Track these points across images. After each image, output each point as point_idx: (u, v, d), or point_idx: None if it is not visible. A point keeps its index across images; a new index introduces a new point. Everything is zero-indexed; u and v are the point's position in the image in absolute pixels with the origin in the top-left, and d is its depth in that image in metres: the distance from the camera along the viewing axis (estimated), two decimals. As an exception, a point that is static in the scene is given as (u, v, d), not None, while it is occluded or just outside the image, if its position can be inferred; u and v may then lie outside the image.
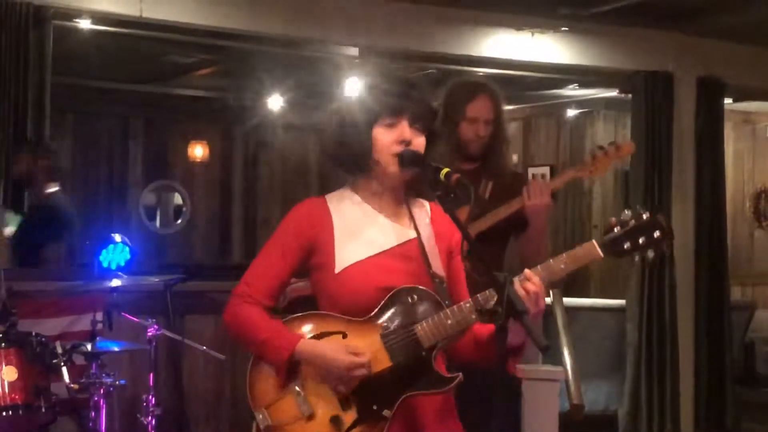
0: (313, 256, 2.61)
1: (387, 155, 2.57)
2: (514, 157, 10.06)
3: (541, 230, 3.92)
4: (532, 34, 6.97)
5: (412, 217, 2.66)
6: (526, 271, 2.46)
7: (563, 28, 7.02)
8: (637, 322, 7.36)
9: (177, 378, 5.19)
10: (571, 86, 9.06)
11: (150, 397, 4.63)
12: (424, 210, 2.70)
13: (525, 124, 10.50)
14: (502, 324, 2.28)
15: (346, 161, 2.63)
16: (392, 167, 2.58)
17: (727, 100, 8.14)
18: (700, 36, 7.49)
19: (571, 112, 9.99)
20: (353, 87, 6.88)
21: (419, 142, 2.59)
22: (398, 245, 2.60)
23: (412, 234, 2.63)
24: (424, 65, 7.36)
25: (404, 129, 2.57)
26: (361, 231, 2.60)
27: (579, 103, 9.78)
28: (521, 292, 2.41)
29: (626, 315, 7.47)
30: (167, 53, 8.27)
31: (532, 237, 3.94)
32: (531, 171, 9.91)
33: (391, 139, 2.57)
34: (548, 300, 6.83)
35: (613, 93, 8.71)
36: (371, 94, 2.61)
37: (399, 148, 2.56)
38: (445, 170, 2.49)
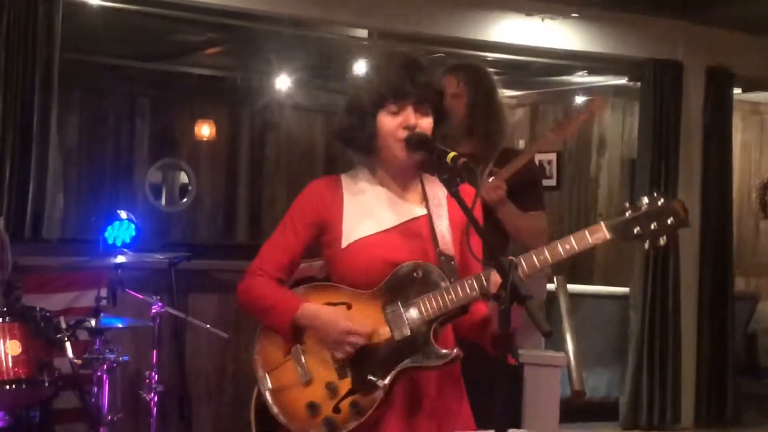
0: (324, 233, 2.67)
1: (393, 140, 2.60)
2: (521, 143, 10.05)
3: (510, 217, 3.92)
4: (542, 20, 6.95)
5: (425, 195, 2.69)
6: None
7: (573, 15, 7.00)
8: (640, 311, 7.37)
9: (180, 355, 5.21)
10: (579, 73, 9.04)
11: (152, 373, 4.65)
12: (441, 188, 2.68)
13: (532, 110, 10.46)
14: (505, 308, 2.28)
15: (354, 145, 2.67)
16: (399, 152, 2.61)
17: (736, 90, 8.12)
18: (709, 25, 7.47)
19: (579, 99, 9.96)
20: (362, 69, 6.86)
21: (425, 125, 2.61)
22: (406, 222, 2.64)
23: (422, 211, 2.66)
24: (432, 48, 7.33)
25: (409, 114, 2.59)
26: (371, 208, 2.64)
27: (587, 90, 9.74)
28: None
29: (629, 303, 7.48)
30: (176, 31, 8.25)
31: (505, 224, 3.93)
32: (537, 157, 9.89)
33: (395, 124, 2.59)
34: (552, 286, 6.85)
35: (621, 81, 8.68)
36: (376, 78, 2.63)
37: (404, 134, 2.58)
38: (452, 154, 2.50)
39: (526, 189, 3.97)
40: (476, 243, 2.65)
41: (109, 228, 5.06)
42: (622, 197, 9.46)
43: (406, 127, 2.58)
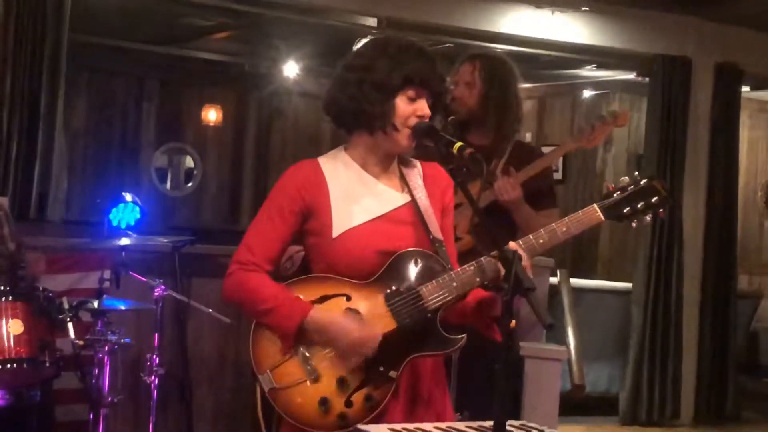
0: (309, 219, 2.60)
1: (402, 126, 2.57)
2: (528, 136, 10.04)
3: (526, 218, 3.92)
4: (552, 12, 6.94)
5: (405, 181, 2.67)
6: (511, 244, 2.47)
7: (584, 8, 6.99)
8: (642, 306, 7.37)
9: (181, 339, 5.20)
10: (588, 67, 9.02)
11: (154, 356, 4.65)
12: (416, 170, 2.71)
13: (540, 103, 10.45)
14: (508, 300, 2.27)
15: (359, 119, 2.59)
16: (403, 138, 2.58)
17: (744, 88, 8.10)
18: (720, 22, 7.45)
19: (587, 93, 9.94)
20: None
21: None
22: (394, 210, 2.62)
23: (407, 198, 2.64)
24: (441, 39, 7.32)
25: (424, 105, 2.58)
26: (357, 195, 2.60)
27: (595, 84, 9.73)
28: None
29: (632, 298, 7.48)
30: (185, 15, 8.25)
31: (521, 226, 3.93)
32: (544, 150, 9.86)
33: (410, 110, 2.57)
34: (555, 280, 6.85)
35: (630, 76, 8.67)
36: (400, 59, 2.57)
37: (414, 121, 2.57)
38: (458, 144, 2.49)
39: (541, 192, 3.96)
40: (449, 226, 2.70)
41: (114, 210, 5.06)
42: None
43: (419, 116, 2.57)
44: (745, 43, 7.62)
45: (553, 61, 8.41)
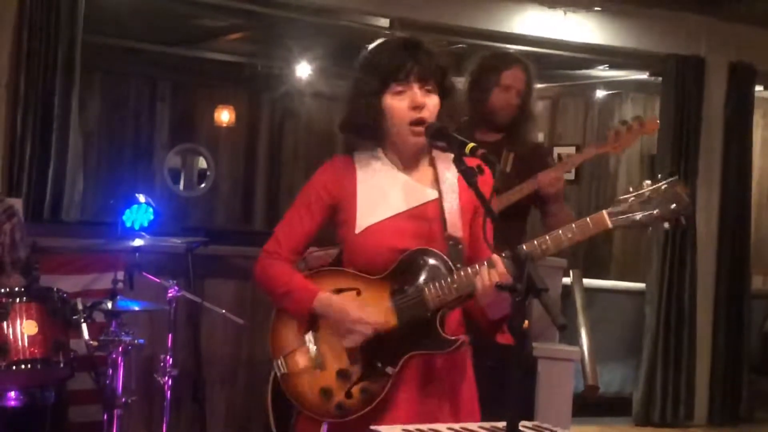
0: (338, 213, 2.70)
1: (401, 123, 2.60)
2: (540, 136, 10.02)
3: (556, 212, 4.04)
4: (564, 13, 6.93)
5: (437, 176, 2.69)
6: (494, 256, 2.47)
7: (596, 8, 6.98)
8: (655, 307, 7.35)
9: (195, 340, 5.21)
10: (601, 67, 9.00)
11: (167, 357, 4.66)
12: (452, 170, 2.68)
13: (552, 103, 10.42)
14: (520, 301, 2.27)
15: (362, 133, 2.68)
16: (411, 137, 2.62)
17: (758, 88, 8.07)
18: (733, 21, 7.43)
19: (600, 93, 9.92)
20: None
21: (433, 103, 2.62)
22: (417, 206, 2.66)
23: (433, 195, 2.67)
24: (453, 39, 7.31)
25: (415, 94, 2.59)
26: (383, 192, 2.66)
27: (608, 84, 9.71)
28: (485, 279, 2.44)
29: (645, 299, 7.46)
30: (198, 16, 8.26)
31: (554, 211, 3.99)
32: (557, 150, 9.85)
33: (404, 106, 2.59)
34: (568, 280, 6.84)
35: (643, 75, 8.65)
36: (376, 62, 2.62)
37: (414, 114, 2.58)
38: (471, 145, 2.50)
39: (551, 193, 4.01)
40: (491, 229, 2.66)
41: (128, 211, 5.06)
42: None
43: (415, 107, 2.58)
44: (758, 42, 7.59)
45: (565, 61, 8.39)
